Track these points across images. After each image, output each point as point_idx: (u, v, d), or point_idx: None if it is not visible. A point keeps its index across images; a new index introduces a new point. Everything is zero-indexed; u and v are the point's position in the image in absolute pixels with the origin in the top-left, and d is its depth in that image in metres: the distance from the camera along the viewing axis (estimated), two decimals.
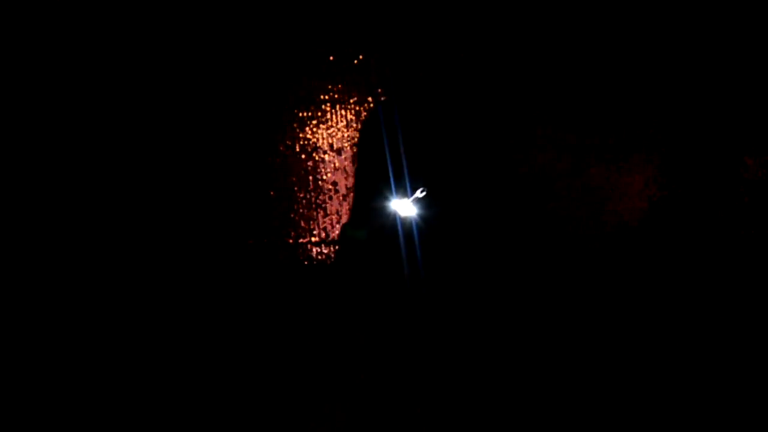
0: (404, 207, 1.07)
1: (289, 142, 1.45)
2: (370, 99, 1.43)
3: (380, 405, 0.97)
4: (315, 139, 1.45)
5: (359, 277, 1.01)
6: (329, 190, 1.46)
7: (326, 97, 1.44)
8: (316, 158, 1.46)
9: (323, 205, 1.47)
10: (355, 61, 1.44)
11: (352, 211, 1.07)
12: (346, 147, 1.43)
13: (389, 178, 0.97)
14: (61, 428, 1.34)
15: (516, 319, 1.09)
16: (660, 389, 1.35)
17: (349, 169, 1.42)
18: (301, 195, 1.47)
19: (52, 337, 1.38)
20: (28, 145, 1.37)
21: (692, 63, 1.45)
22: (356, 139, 1.32)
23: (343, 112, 1.45)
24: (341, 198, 1.43)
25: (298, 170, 1.46)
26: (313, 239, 1.47)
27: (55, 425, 1.34)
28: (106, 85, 1.39)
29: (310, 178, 1.46)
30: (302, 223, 1.47)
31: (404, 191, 1.00)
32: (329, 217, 1.47)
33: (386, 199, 0.98)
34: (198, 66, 1.41)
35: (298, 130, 1.45)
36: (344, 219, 1.28)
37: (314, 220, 1.47)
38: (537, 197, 1.48)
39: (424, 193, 1.02)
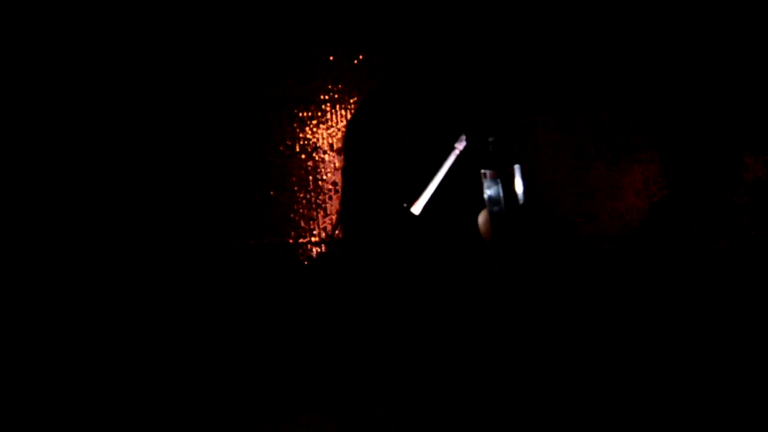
0: (402, 207, 1.07)
1: (289, 142, 1.45)
2: (370, 99, 1.43)
3: (380, 404, 0.97)
4: (315, 139, 1.45)
5: (359, 277, 1.01)
6: (329, 190, 1.46)
7: (326, 97, 1.44)
8: (316, 158, 1.46)
9: (323, 205, 1.47)
10: (355, 61, 1.44)
11: (352, 211, 1.07)
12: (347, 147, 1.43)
13: (388, 177, 0.97)
14: (60, 428, 1.34)
15: (516, 318, 1.09)
16: (660, 389, 1.35)
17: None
18: (301, 195, 1.47)
19: (51, 337, 1.37)
20: (25, 146, 1.37)
21: (692, 63, 1.45)
22: (356, 139, 1.32)
23: (343, 112, 1.45)
24: (341, 198, 1.43)
25: (298, 170, 1.46)
26: (313, 239, 1.47)
27: (54, 425, 1.34)
28: (106, 85, 1.39)
29: (310, 178, 1.46)
30: (302, 223, 1.47)
31: (402, 191, 0.99)
32: (329, 217, 1.47)
33: (385, 198, 0.98)
34: (198, 66, 1.41)
35: (298, 130, 1.45)
36: (344, 219, 1.28)
37: (314, 220, 1.47)
38: (537, 197, 1.48)
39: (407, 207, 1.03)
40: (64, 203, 1.39)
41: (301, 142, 1.45)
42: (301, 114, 1.45)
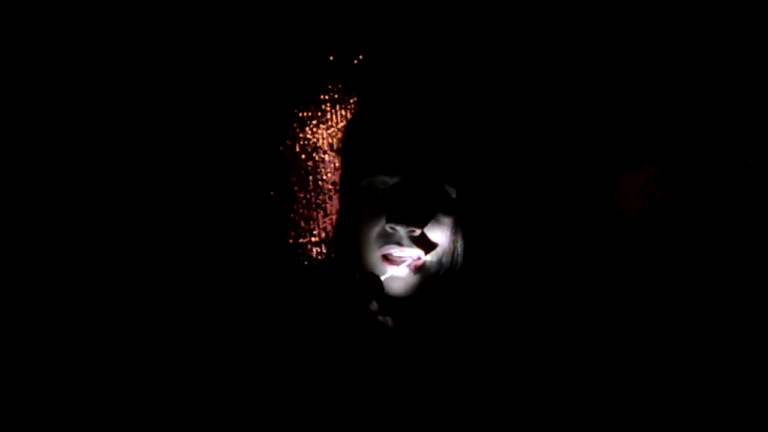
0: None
1: (289, 142, 1.45)
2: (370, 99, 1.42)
3: (380, 406, 0.97)
4: (315, 139, 1.45)
5: (359, 277, 1.01)
6: (329, 190, 1.46)
7: (326, 97, 1.45)
8: (316, 158, 1.46)
9: (323, 205, 1.47)
10: (355, 61, 1.44)
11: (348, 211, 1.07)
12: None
13: (387, 178, 0.96)
14: (61, 428, 1.34)
15: (515, 318, 1.09)
16: (660, 390, 1.35)
17: None
18: (301, 195, 1.47)
19: (53, 337, 1.38)
20: (29, 146, 1.38)
21: (692, 62, 1.46)
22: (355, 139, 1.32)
23: (343, 112, 1.45)
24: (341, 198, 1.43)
25: (298, 170, 1.46)
26: (313, 239, 1.47)
27: (55, 425, 1.34)
28: (104, 85, 1.39)
29: (310, 178, 1.46)
30: (302, 223, 1.47)
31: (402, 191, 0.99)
32: (329, 217, 1.47)
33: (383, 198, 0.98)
34: (197, 66, 1.41)
35: (298, 130, 1.45)
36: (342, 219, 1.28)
37: (314, 220, 1.47)
38: (536, 197, 1.48)
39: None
40: (64, 204, 1.39)
41: (301, 142, 1.45)
42: (301, 114, 1.45)
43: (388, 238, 0.96)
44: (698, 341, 1.44)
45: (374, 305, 0.92)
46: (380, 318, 0.93)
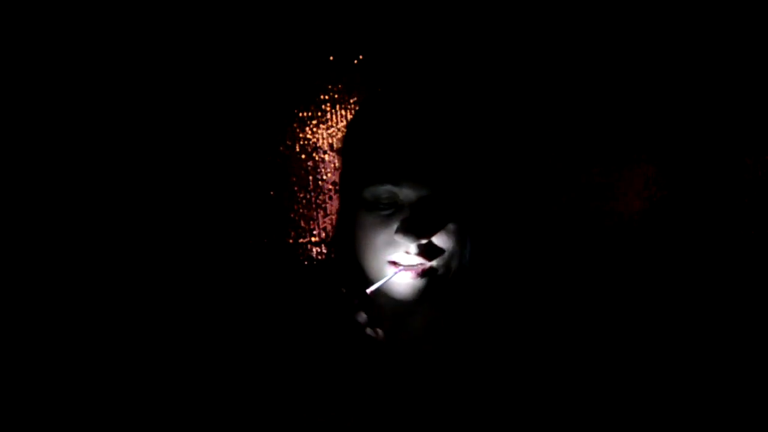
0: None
1: (289, 142, 1.45)
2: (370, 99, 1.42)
3: (380, 407, 0.97)
4: (315, 139, 1.45)
5: (359, 277, 1.01)
6: (329, 190, 1.46)
7: (326, 97, 1.45)
8: (316, 158, 1.46)
9: (323, 205, 1.47)
10: (355, 61, 1.44)
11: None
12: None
13: (393, 188, 0.96)
14: (61, 428, 1.34)
15: (515, 318, 1.09)
16: (659, 391, 1.35)
17: None
18: (301, 195, 1.47)
19: (53, 338, 1.38)
20: (29, 146, 1.38)
21: (692, 62, 1.46)
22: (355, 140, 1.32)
23: (343, 112, 1.45)
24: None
25: (298, 170, 1.46)
26: (313, 239, 1.47)
27: (55, 426, 1.34)
28: (104, 85, 1.39)
29: (310, 178, 1.46)
30: (302, 223, 1.47)
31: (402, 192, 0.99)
32: (329, 217, 1.47)
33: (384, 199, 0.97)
34: (197, 66, 1.41)
35: (298, 130, 1.45)
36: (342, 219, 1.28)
37: (314, 220, 1.47)
38: (536, 197, 1.48)
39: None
40: (59, 206, 1.39)
41: (301, 142, 1.46)
42: (301, 114, 1.45)
43: (396, 247, 0.96)
44: (698, 341, 1.44)
45: (362, 317, 0.92)
46: (369, 331, 0.92)
